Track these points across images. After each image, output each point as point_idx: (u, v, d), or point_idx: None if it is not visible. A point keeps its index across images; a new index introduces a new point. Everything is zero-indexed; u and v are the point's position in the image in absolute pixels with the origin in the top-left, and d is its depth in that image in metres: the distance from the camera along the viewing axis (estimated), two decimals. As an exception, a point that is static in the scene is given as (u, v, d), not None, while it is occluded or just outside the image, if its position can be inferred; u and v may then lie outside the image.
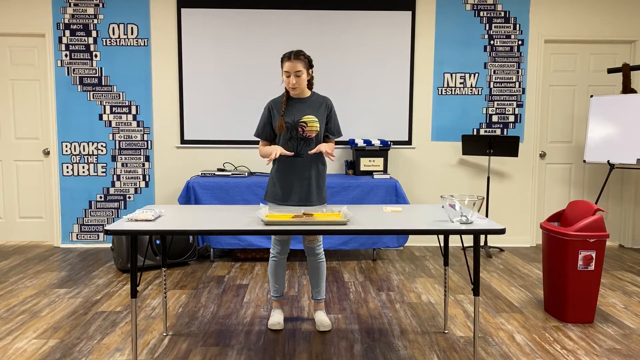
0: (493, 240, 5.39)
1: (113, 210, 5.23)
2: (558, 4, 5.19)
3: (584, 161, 4.82)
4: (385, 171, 4.95)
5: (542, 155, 5.40)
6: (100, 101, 5.14)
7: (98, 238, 5.26)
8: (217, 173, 4.74)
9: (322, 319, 3.17)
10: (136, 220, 2.56)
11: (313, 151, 2.96)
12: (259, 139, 3.32)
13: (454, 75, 5.22)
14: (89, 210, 5.22)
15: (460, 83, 5.22)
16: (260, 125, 3.11)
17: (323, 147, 2.94)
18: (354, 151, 4.96)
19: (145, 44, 5.10)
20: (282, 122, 3.00)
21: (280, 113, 3.02)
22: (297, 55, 2.92)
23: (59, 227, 5.23)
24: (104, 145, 5.18)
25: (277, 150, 2.91)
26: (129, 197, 5.23)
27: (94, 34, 5.07)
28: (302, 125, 3.00)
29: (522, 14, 5.17)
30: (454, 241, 5.41)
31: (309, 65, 3.00)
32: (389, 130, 5.24)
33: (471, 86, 5.23)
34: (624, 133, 4.56)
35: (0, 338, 2.98)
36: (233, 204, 3.54)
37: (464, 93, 5.23)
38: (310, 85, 3.09)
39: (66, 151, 5.17)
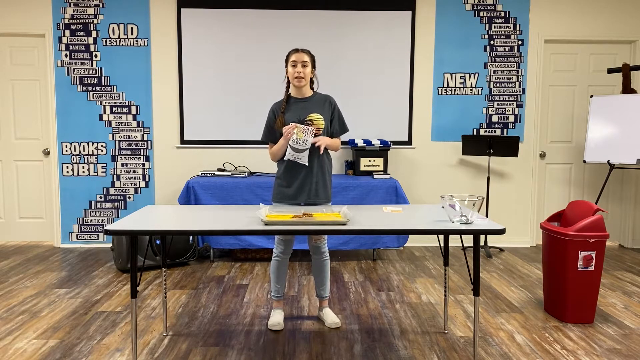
0: (493, 241, 5.38)
1: (113, 210, 5.23)
2: (558, 4, 5.19)
3: (584, 161, 4.82)
4: (385, 171, 4.94)
5: (542, 155, 5.40)
6: (100, 101, 5.14)
7: (98, 238, 5.26)
8: (217, 173, 4.74)
9: (332, 317, 3.21)
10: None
11: (317, 144, 2.98)
12: (266, 143, 3.36)
13: (454, 75, 5.22)
14: (89, 210, 5.22)
15: (460, 83, 5.22)
16: (266, 129, 3.14)
17: (322, 139, 2.97)
18: (354, 151, 4.96)
19: (145, 44, 5.10)
20: (282, 119, 3.03)
21: (281, 110, 3.06)
22: (304, 49, 3.06)
23: (59, 227, 5.23)
24: (104, 145, 5.18)
25: (290, 127, 2.93)
26: (129, 197, 5.22)
27: (94, 34, 5.07)
28: (307, 123, 3.03)
29: (522, 14, 5.17)
30: (454, 241, 5.41)
31: (314, 63, 3.10)
32: (389, 130, 5.24)
33: (471, 86, 5.23)
34: (623, 133, 4.56)
35: (0, 338, 2.98)
36: (233, 204, 3.54)
37: (464, 93, 5.23)
38: (311, 85, 3.15)
39: (66, 151, 5.17)
